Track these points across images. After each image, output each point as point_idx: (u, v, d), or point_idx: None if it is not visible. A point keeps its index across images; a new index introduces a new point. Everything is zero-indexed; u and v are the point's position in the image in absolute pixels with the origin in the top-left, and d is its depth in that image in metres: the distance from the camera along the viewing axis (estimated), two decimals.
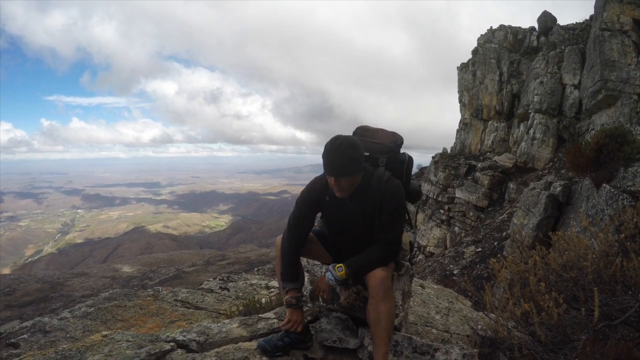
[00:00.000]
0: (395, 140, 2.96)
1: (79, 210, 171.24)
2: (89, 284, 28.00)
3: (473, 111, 22.22)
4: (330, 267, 2.68)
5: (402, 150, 3.01)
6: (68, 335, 3.65)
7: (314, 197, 2.77)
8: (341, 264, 2.65)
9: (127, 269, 33.41)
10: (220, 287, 5.49)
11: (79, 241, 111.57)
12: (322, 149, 2.57)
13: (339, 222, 2.78)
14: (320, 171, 2.80)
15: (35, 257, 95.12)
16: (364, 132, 3.00)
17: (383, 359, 2.55)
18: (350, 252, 2.77)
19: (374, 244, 2.69)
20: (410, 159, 2.97)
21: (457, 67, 24.65)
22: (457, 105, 24.77)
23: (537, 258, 2.77)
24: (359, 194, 2.65)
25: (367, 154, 2.82)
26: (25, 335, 3.58)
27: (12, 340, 3.47)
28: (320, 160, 2.63)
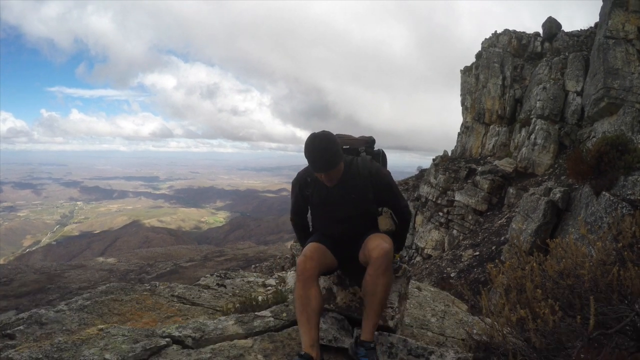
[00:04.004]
0: (367, 138, 3.37)
1: (78, 202, 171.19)
2: (85, 277, 28.04)
3: (475, 115, 22.23)
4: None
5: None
6: (64, 328, 3.66)
7: (299, 181, 3.10)
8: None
9: (112, 260, 33.48)
10: (217, 284, 5.49)
11: (76, 233, 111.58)
12: None
13: (325, 204, 3.00)
14: None
15: (33, 248, 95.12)
16: (341, 136, 3.35)
17: (372, 329, 2.73)
18: (344, 233, 2.99)
19: (366, 220, 2.99)
20: (384, 153, 3.38)
21: (461, 70, 24.65)
22: (459, 108, 24.79)
23: (534, 264, 2.78)
24: (346, 179, 2.92)
25: (348, 146, 3.26)
26: (21, 327, 3.58)
27: (8, 331, 3.48)
28: None
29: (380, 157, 3.34)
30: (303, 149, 2.78)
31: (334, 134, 3.30)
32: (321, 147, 2.71)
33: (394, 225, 3.09)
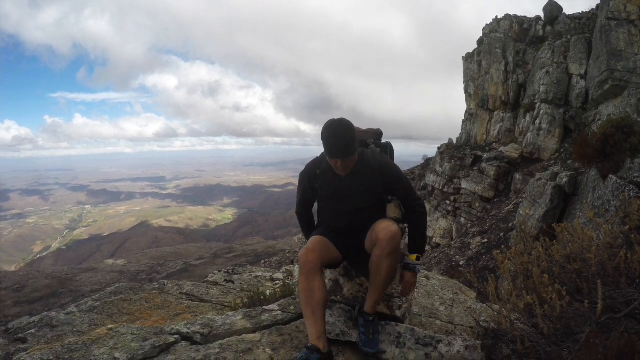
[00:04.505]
0: (376, 130, 3.38)
1: (86, 206, 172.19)
2: (97, 279, 28.22)
3: (479, 101, 22.10)
4: (408, 261, 2.94)
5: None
6: (74, 329, 3.69)
7: (307, 173, 3.06)
8: (411, 255, 2.95)
9: (122, 262, 33.73)
10: (225, 280, 5.52)
11: (85, 237, 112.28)
12: None
13: (335, 196, 2.99)
14: None
15: (44, 254, 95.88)
16: None
17: (374, 305, 2.86)
18: (352, 225, 2.98)
19: (374, 212, 2.97)
20: (392, 146, 3.37)
21: (463, 57, 24.48)
22: (462, 95, 24.66)
23: (540, 249, 2.76)
24: (356, 169, 2.90)
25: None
26: (32, 330, 3.62)
27: (20, 335, 3.52)
28: None
29: (388, 149, 3.33)
30: (317, 138, 2.79)
31: None
32: (340, 132, 2.69)
33: (401, 215, 3.12)
